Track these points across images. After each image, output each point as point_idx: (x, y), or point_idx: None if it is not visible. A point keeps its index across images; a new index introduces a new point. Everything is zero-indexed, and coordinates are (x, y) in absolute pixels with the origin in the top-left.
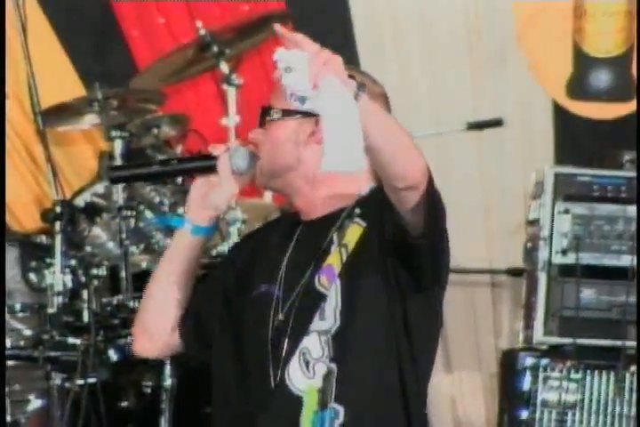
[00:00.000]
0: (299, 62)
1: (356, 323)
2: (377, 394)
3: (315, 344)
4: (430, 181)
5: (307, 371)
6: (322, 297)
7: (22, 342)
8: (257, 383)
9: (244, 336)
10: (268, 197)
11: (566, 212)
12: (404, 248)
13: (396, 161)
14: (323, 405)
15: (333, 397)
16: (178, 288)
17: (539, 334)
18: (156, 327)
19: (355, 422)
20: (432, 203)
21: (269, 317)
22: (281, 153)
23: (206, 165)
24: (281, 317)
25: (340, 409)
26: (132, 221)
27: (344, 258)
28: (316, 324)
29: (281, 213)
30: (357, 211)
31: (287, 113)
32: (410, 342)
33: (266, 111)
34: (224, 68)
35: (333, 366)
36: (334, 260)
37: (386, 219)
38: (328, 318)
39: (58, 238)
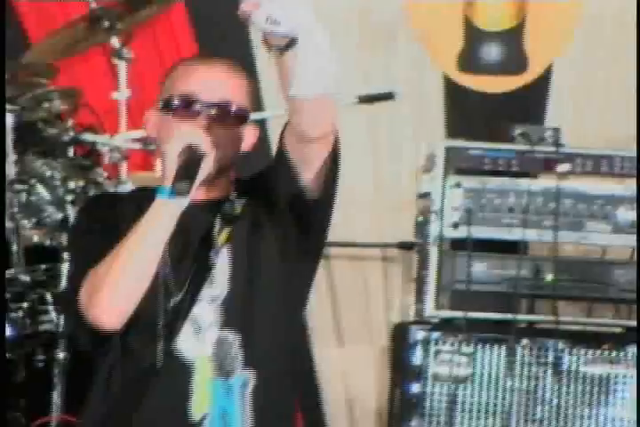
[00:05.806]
0: None
1: (245, 288)
2: (281, 356)
3: (204, 311)
4: (337, 140)
5: (196, 339)
6: (211, 265)
7: None
8: (146, 361)
9: (134, 317)
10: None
11: (457, 185)
12: (299, 211)
13: (317, 106)
14: (224, 372)
15: (240, 364)
16: (155, 263)
17: (430, 308)
18: (133, 302)
19: (265, 386)
20: (336, 162)
21: (161, 296)
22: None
23: None
24: (175, 295)
25: (250, 376)
26: (24, 196)
27: (232, 231)
28: (206, 291)
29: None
30: (235, 196)
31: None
32: (298, 302)
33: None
34: (114, 42)
35: (227, 333)
36: (223, 238)
37: (280, 186)
38: (218, 284)
39: None
